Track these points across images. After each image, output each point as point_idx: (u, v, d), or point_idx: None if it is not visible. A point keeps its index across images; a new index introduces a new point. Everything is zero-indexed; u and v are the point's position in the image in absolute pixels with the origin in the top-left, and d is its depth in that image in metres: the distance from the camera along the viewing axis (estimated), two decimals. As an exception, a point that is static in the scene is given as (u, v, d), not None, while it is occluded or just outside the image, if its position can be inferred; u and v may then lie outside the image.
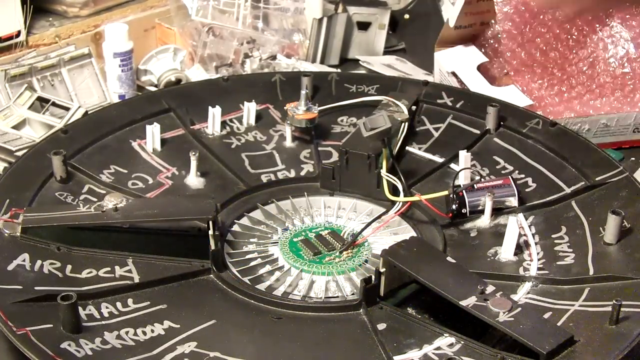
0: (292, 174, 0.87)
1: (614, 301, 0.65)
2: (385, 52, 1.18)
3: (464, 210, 0.80)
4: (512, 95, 0.99)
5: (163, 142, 0.89)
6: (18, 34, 1.04)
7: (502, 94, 0.99)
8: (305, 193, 0.85)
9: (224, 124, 0.92)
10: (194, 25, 1.06)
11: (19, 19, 1.03)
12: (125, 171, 0.85)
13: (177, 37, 1.10)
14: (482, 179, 0.83)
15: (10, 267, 0.70)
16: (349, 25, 1.13)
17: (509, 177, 0.83)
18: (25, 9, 1.05)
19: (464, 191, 0.80)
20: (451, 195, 0.79)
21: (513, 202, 0.81)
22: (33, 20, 1.08)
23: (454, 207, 0.79)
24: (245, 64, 1.07)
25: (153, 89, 1.07)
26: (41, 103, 0.96)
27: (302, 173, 0.87)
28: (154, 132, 0.88)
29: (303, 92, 0.90)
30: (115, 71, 1.03)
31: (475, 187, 0.81)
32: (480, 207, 0.80)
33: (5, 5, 1.02)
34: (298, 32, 1.09)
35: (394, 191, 0.80)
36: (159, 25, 1.13)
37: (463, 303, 0.66)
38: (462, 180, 0.83)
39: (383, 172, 0.81)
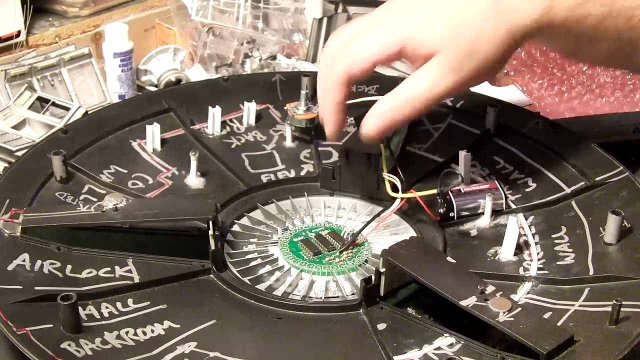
0: (292, 174, 0.87)
1: (614, 301, 0.65)
2: (386, 52, 1.18)
3: (451, 214, 0.80)
4: (512, 95, 0.99)
5: (163, 142, 0.89)
6: (18, 34, 1.04)
7: (502, 94, 0.99)
8: (305, 193, 0.85)
9: (224, 124, 0.92)
10: (194, 25, 1.06)
11: (19, 19, 1.03)
12: (125, 171, 0.85)
13: (177, 37, 1.10)
14: (474, 183, 0.83)
15: (10, 267, 0.70)
16: None
17: (495, 181, 0.83)
18: (25, 9, 1.05)
19: (451, 195, 0.80)
20: (439, 200, 0.79)
21: (501, 205, 0.81)
22: (33, 20, 1.08)
23: (441, 210, 0.79)
24: (245, 64, 1.07)
25: (153, 89, 1.07)
26: (41, 103, 0.96)
27: (302, 173, 0.87)
28: (154, 132, 0.88)
29: (303, 92, 0.90)
30: (115, 71, 1.03)
31: (463, 191, 0.81)
32: (467, 212, 0.80)
33: (5, 5, 1.02)
34: (298, 32, 1.09)
35: (394, 189, 0.80)
36: (159, 25, 1.13)
37: (463, 303, 0.66)
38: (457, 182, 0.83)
39: (384, 172, 0.81)
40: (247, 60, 1.06)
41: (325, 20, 1.11)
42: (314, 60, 1.13)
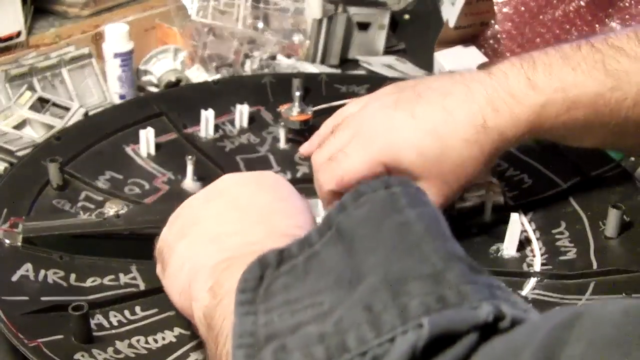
0: (289, 175, 0.87)
1: (624, 294, 0.66)
2: (385, 53, 1.18)
3: (450, 212, 0.80)
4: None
5: (156, 146, 0.88)
6: (18, 34, 1.03)
7: None
8: (303, 195, 0.84)
9: (216, 127, 0.92)
10: (194, 25, 1.05)
11: (19, 19, 1.02)
12: (121, 177, 0.84)
13: (178, 37, 1.09)
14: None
15: (14, 278, 0.69)
16: (349, 25, 1.13)
17: (493, 178, 0.83)
18: (25, 9, 1.04)
19: None
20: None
21: (500, 202, 0.81)
22: (33, 21, 1.07)
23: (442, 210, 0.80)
24: (245, 64, 1.06)
25: (153, 89, 1.06)
26: (41, 103, 0.95)
27: (298, 175, 0.87)
28: (148, 137, 0.87)
29: (297, 93, 0.90)
30: (115, 71, 1.02)
31: None
32: (466, 211, 0.80)
33: (5, 6, 1.01)
34: (298, 32, 1.08)
35: None
36: (159, 25, 1.12)
37: (473, 301, 0.66)
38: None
39: None
40: (247, 60, 1.06)
41: (325, 20, 1.11)
42: (313, 61, 1.12)
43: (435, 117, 0.70)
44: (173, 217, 0.63)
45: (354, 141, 0.73)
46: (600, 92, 0.70)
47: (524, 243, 0.77)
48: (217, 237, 0.58)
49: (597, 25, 0.98)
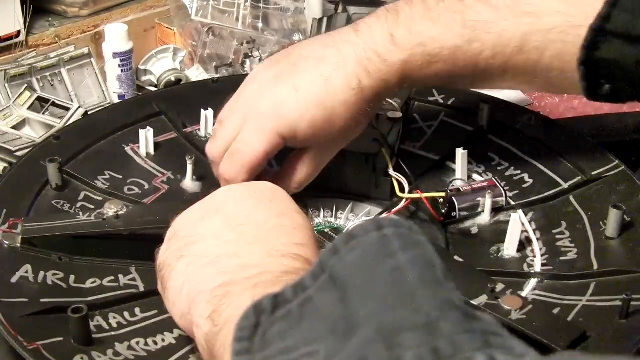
0: (288, 175, 0.86)
1: (624, 295, 0.66)
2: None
3: (453, 214, 0.80)
4: (512, 94, 0.99)
5: (156, 146, 0.88)
6: (18, 34, 1.03)
7: (502, 93, 0.98)
8: (303, 194, 0.84)
9: (216, 126, 0.91)
10: (194, 25, 1.05)
11: (18, 19, 1.03)
12: (120, 177, 0.84)
13: (177, 37, 1.09)
14: (473, 182, 0.83)
15: (13, 280, 0.69)
16: (349, 25, 1.13)
17: (493, 178, 0.83)
18: (25, 9, 1.04)
19: (453, 195, 0.80)
20: (440, 200, 0.79)
21: (501, 202, 0.81)
22: (33, 21, 1.07)
23: (443, 211, 0.79)
24: (245, 64, 1.06)
25: (153, 89, 1.06)
26: (41, 103, 0.95)
27: (298, 174, 0.87)
28: (147, 137, 0.86)
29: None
30: (115, 71, 1.02)
31: (462, 190, 0.81)
32: (466, 212, 0.80)
33: (5, 5, 1.01)
34: (298, 32, 1.08)
35: (400, 189, 0.80)
36: (159, 25, 1.13)
37: (474, 302, 0.66)
38: (459, 182, 0.83)
39: (390, 170, 0.81)
40: (247, 60, 1.06)
41: (325, 20, 1.11)
42: (313, 60, 1.13)
43: (316, 87, 0.72)
44: (170, 233, 0.63)
45: (246, 126, 0.74)
46: (458, 44, 0.71)
47: (524, 243, 0.77)
48: (216, 258, 0.57)
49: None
